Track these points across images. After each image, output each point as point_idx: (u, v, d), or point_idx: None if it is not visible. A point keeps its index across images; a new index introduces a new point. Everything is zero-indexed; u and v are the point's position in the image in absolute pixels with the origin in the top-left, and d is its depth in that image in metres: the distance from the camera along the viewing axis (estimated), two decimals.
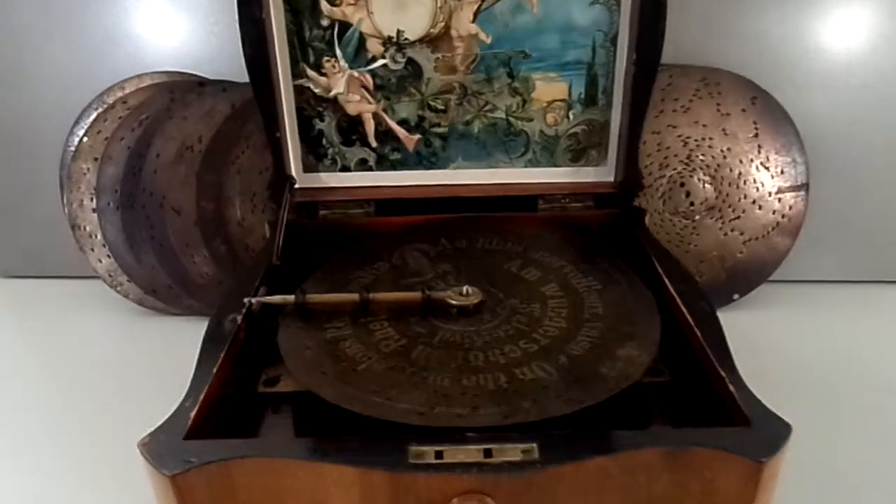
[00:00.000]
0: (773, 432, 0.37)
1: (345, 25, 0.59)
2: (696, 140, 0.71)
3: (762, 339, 0.70)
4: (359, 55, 0.60)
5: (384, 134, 0.64)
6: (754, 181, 0.71)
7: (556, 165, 0.65)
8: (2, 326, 0.77)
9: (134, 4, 0.71)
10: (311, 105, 0.63)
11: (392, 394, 0.43)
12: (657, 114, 0.70)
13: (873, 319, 0.74)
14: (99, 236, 0.73)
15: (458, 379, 0.44)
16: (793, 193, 0.72)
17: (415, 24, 0.59)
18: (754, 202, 0.72)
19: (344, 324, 0.50)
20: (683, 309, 0.48)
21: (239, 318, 0.48)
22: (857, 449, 0.57)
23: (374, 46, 0.60)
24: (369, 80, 0.62)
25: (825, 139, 0.73)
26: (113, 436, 0.54)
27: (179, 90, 0.71)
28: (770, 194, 0.71)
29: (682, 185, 0.71)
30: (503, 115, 0.63)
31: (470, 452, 0.36)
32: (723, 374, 0.41)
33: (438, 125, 0.63)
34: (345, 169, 0.65)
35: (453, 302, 0.50)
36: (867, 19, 0.69)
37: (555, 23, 0.59)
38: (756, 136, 0.71)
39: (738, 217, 0.72)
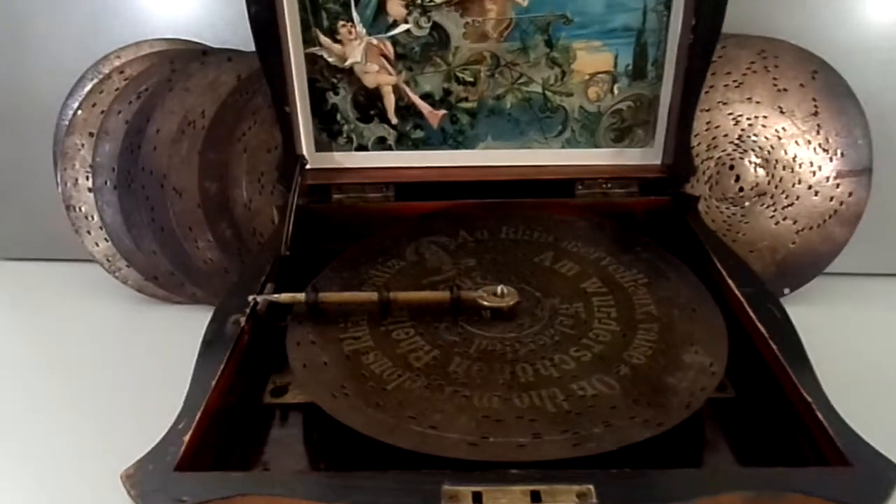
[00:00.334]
0: (878, 475, 0.32)
1: None
2: (748, 118, 0.67)
3: (816, 338, 0.66)
4: (378, 19, 0.58)
5: (405, 109, 0.62)
6: (811, 164, 0.68)
7: (596, 146, 0.62)
8: None
9: None
10: (324, 76, 0.60)
11: (435, 420, 0.38)
12: (707, 89, 0.66)
13: None
14: (95, 218, 0.71)
15: (509, 398, 0.40)
16: (853, 178, 0.68)
17: None
18: (810, 188, 0.68)
19: (362, 330, 0.46)
20: (751, 314, 0.44)
21: (242, 320, 0.44)
22: None
23: (395, 9, 0.58)
24: (390, 48, 0.59)
25: (891, 119, 0.69)
26: (108, 433, 0.54)
27: (181, 60, 0.69)
28: (828, 179, 0.68)
29: (732, 168, 0.68)
30: (539, 89, 0.60)
31: (514, 496, 0.31)
32: (808, 398, 0.36)
33: (466, 100, 0.61)
34: (361, 148, 0.63)
35: (486, 303, 0.46)
36: None
37: None
38: (815, 114, 0.67)
39: (792, 204, 0.68)
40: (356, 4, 0.57)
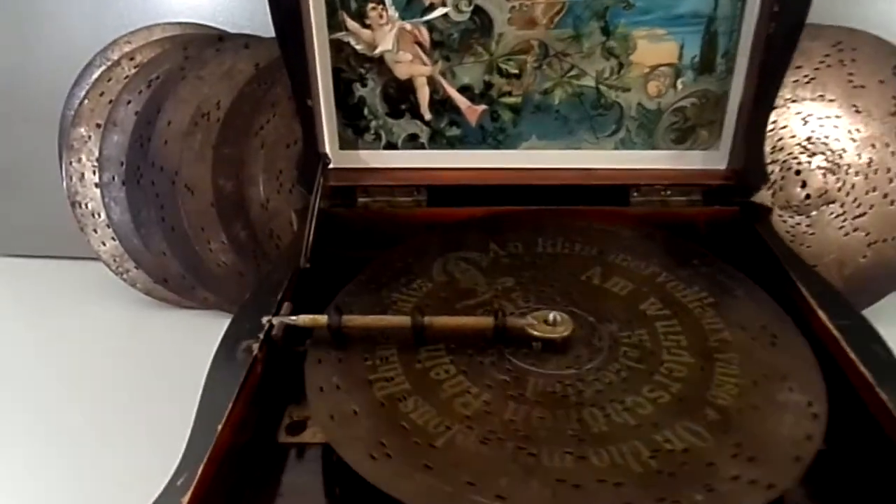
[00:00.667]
0: None
1: None
2: (819, 118, 0.64)
3: None
4: (412, 2, 0.55)
5: (441, 103, 0.59)
6: (887, 171, 0.64)
7: (654, 148, 0.59)
8: None
9: None
10: (350, 65, 0.58)
11: (501, 487, 0.33)
12: None
13: None
14: (102, 215, 0.71)
15: (584, 455, 0.35)
16: None
17: None
18: (885, 196, 0.64)
19: (394, 369, 0.41)
20: (850, 353, 0.38)
21: (255, 347, 0.40)
22: None
23: None
24: (425, 35, 0.56)
25: None
26: (112, 443, 0.54)
27: (195, 46, 0.69)
28: None
29: (798, 173, 0.65)
30: (592, 83, 0.57)
31: None
32: None
33: (509, 94, 0.58)
34: (390, 146, 0.60)
35: (536, 333, 0.41)
36: None
37: None
38: (894, 114, 0.64)
39: (864, 213, 0.65)
40: None
